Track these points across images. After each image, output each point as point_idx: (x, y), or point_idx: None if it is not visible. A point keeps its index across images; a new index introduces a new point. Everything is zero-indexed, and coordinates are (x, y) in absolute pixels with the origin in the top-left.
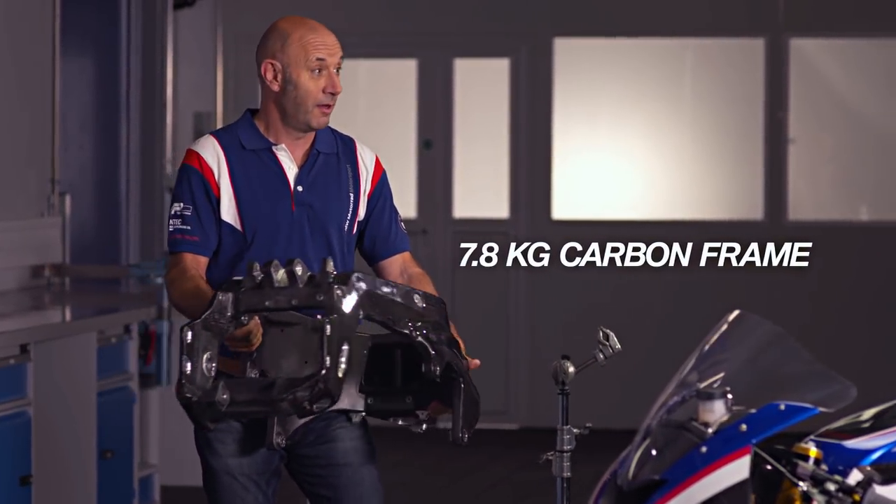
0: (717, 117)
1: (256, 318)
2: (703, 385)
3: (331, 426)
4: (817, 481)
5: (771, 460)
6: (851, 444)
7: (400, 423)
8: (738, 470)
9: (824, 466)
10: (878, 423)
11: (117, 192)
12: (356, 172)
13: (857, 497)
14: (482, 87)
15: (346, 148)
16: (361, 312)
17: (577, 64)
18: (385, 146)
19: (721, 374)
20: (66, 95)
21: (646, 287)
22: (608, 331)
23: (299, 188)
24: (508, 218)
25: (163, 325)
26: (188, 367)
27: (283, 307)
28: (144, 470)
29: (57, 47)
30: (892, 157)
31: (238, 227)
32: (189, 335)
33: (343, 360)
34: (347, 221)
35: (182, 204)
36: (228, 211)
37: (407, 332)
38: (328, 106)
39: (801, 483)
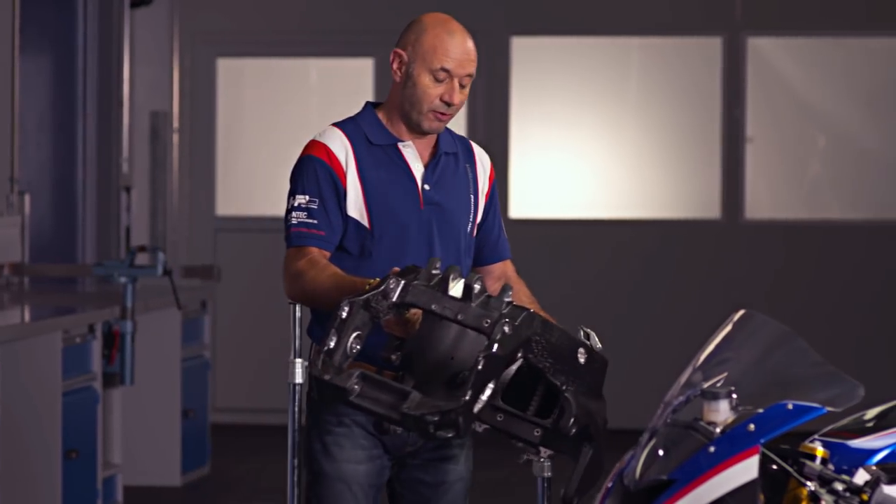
0: (674, 116)
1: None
2: (707, 385)
3: (450, 443)
4: (825, 481)
5: (778, 460)
6: (856, 443)
7: (519, 444)
8: (746, 470)
9: (831, 466)
10: (882, 423)
11: (74, 191)
12: (475, 174)
13: (865, 497)
14: None
15: (463, 148)
16: (520, 354)
17: (535, 63)
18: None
19: (725, 374)
20: (24, 94)
21: (604, 286)
22: (589, 330)
23: (426, 187)
24: None
25: (127, 325)
26: (332, 341)
27: (447, 317)
28: (107, 470)
29: (16, 46)
30: (850, 155)
31: (365, 222)
32: (345, 311)
33: (484, 397)
34: (470, 223)
35: (307, 196)
36: (355, 206)
37: (557, 384)
38: (443, 113)
39: (808, 483)
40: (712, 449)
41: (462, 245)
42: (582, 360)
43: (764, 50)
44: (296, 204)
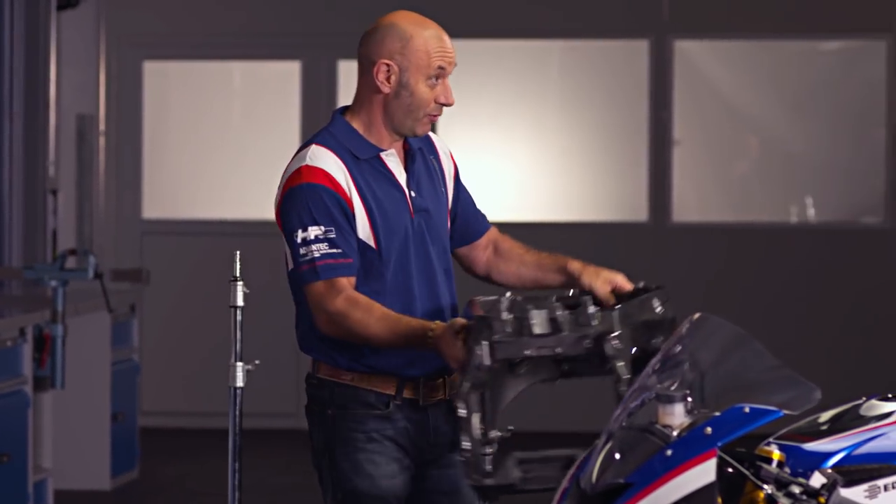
0: (601, 119)
1: None
2: (662, 388)
3: (456, 449)
4: (781, 484)
5: (734, 463)
6: (811, 446)
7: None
8: (704, 473)
9: (787, 469)
10: (836, 426)
11: (0, 193)
12: (440, 164)
13: (822, 500)
14: None
15: (423, 140)
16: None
17: (460, 65)
18: (266, 148)
19: (680, 377)
20: None
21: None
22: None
23: (412, 194)
24: None
25: (57, 329)
26: (466, 441)
27: (546, 356)
28: (38, 474)
29: None
30: (777, 157)
31: (372, 243)
32: (462, 409)
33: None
34: (448, 218)
35: (322, 227)
36: (361, 228)
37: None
38: (436, 115)
39: (765, 486)
40: (669, 452)
41: (447, 243)
42: (658, 310)
43: (690, 52)
44: (311, 237)
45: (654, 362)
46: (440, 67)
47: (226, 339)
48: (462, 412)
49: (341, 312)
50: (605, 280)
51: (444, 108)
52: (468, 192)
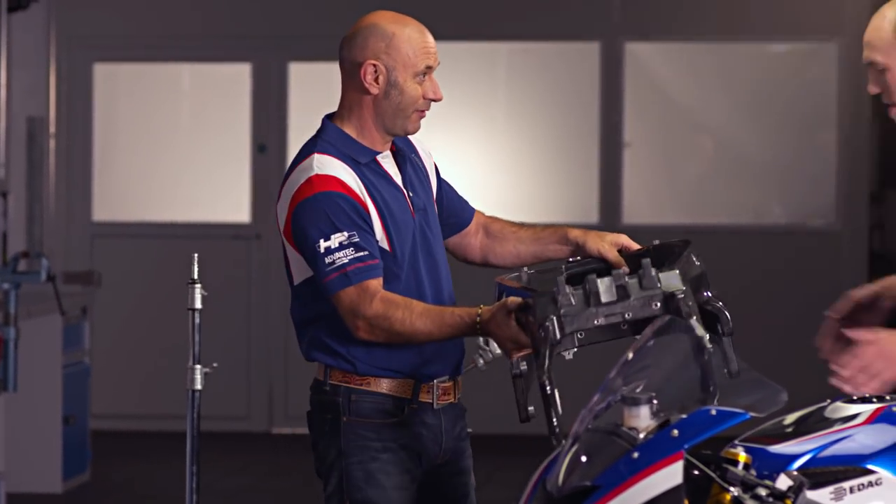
0: (552, 121)
1: None
2: (628, 390)
3: (464, 454)
4: (748, 486)
5: (701, 465)
6: (776, 449)
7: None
8: (671, 475)
9: (753, 471)
10: (801, 428)
11: None
12: (421, 161)
13: (788, 502)
14: (317, 89)
15: (402, 140)
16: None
17: None
18: (217, 150)
19: (646, 379)
20: None
21: (481, 292)
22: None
23: (410, 193)
24: None
25: (10, 331)
26: (555, 418)
27: (617, 323)
28: None
29: None
30: (727, 160)
31: (386, 246)
32: (548, 386)
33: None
34: (438, 214)
35: (345, 233)
36: (377, 231)
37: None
38: (425, 111)
39: (731, 488)
40: (636, 455)
41: (441, 238)
42: (698, 263)
43: (641, 55)
44: (335, 244)
45: (620, 363)
46: (428, 66)
47: (177, 342)
48: (549, 389)
49: (381, 314)
50: (611, 243)
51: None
52: (449, 183)
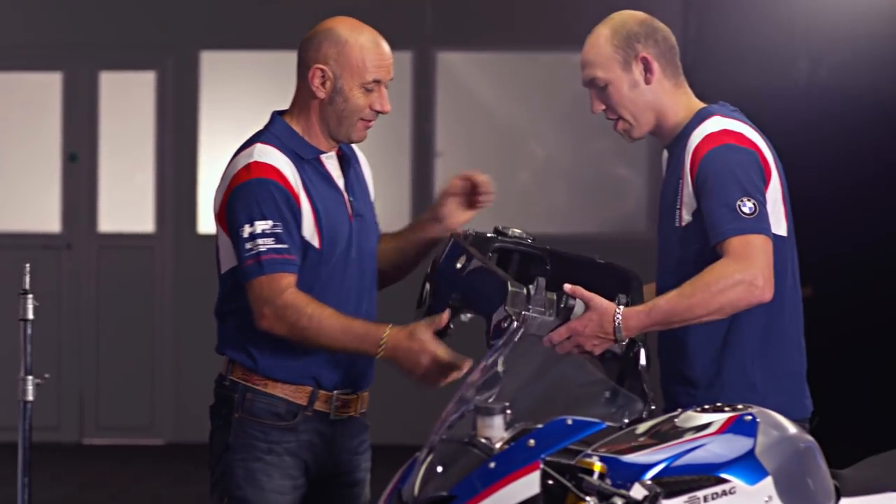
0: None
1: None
2: (481, 400)
3: (359, 467)
4: (603, 496)
5: (556, 475)
6: (630, 458)
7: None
8: (528, 485)
9: (608, 481)
10: (654, 438)
11: None
12: (362, 170)
13: None
14: (128, 99)
15: (348, 148)
16: None
17: (224, 77)
18: (27, 159)
19: (498, 389)
20: None
21: None
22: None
23: (350, 197)
24: (154, 232)
25: None
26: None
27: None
28: None
29: None
30: (540, 168)
31: (316, 243)
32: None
33: None
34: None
35: (270, 221)
36: (307, 226)
37: None
38: (371, 121)
39: (587, 498)
40: (493, 465)
41: (375, 254)
42: None
43: (454, 65)
44: (258, 231)
45: (473, 374)
46: (375, 80)
47: None
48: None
49: (291, 304)
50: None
51: None
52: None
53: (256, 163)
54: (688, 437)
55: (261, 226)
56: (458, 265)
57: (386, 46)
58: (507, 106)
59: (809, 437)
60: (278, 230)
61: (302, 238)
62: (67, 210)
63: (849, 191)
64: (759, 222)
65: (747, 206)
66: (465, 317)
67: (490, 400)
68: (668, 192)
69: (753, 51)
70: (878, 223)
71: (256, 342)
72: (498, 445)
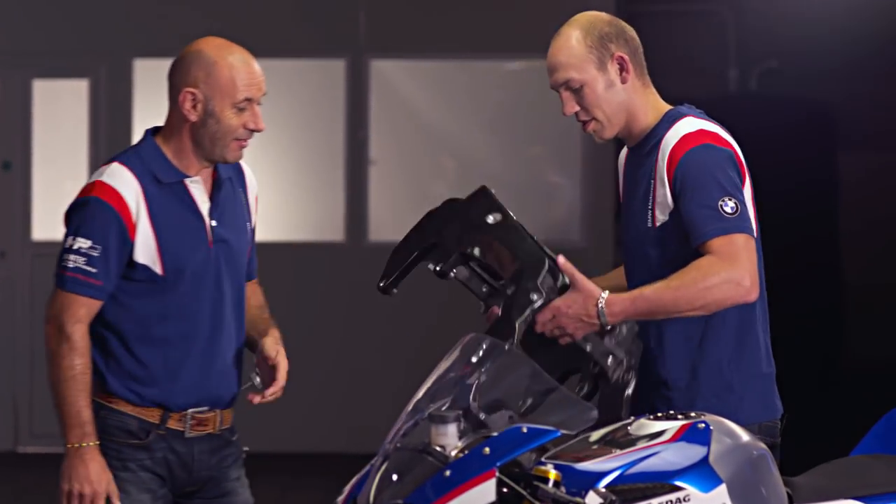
0: (296, 138)
1: None
2: (435, 409)
3: (227, 477)
4: None
5: (512, 483)
6: (585, 466)
7: None
8: (483, 493)
9: (563, 489)
10: (608, 446)
11: None
12: (247, 198)
13: None
14: (61, 107)
15: (235, 170)
16: None
17: (158, 85)
18: None
19: (452, 397)
20: None
21: None
22: None
23: (213, 223)
24: None
25: None
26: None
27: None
28: None
29: None
30: (475, 178)
31: (157, 269)
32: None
33: None
34: (248, 253)
35: (90, 242)
36: (145, 252)
37: None
38: (245, 140)
39: None
40: (448, 473)
41: (244, 276)
42: None
43: (387, 72)
44: (76, 247)
45: (426, 383)
46: (247, 99)
47: None
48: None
49: (70, 342)
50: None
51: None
52: (253, 236)
53: (101, 182)
54: (642, 444)
55: (80, 242)
56: (490, 219)
57: (255, 64)
58: (441, 113)
59: (762, 445)
60: (94, 253)
61: (135, 262)
62: (1, 218)
63: (773, 197)
64: (741, 221)
65: (729, 205)
66: (455, 273)
67: (444, 408)
68: (635, 192)
69: (684, 60)
70: (798, 230)
71: (107, 361)
72: (453, 454)
